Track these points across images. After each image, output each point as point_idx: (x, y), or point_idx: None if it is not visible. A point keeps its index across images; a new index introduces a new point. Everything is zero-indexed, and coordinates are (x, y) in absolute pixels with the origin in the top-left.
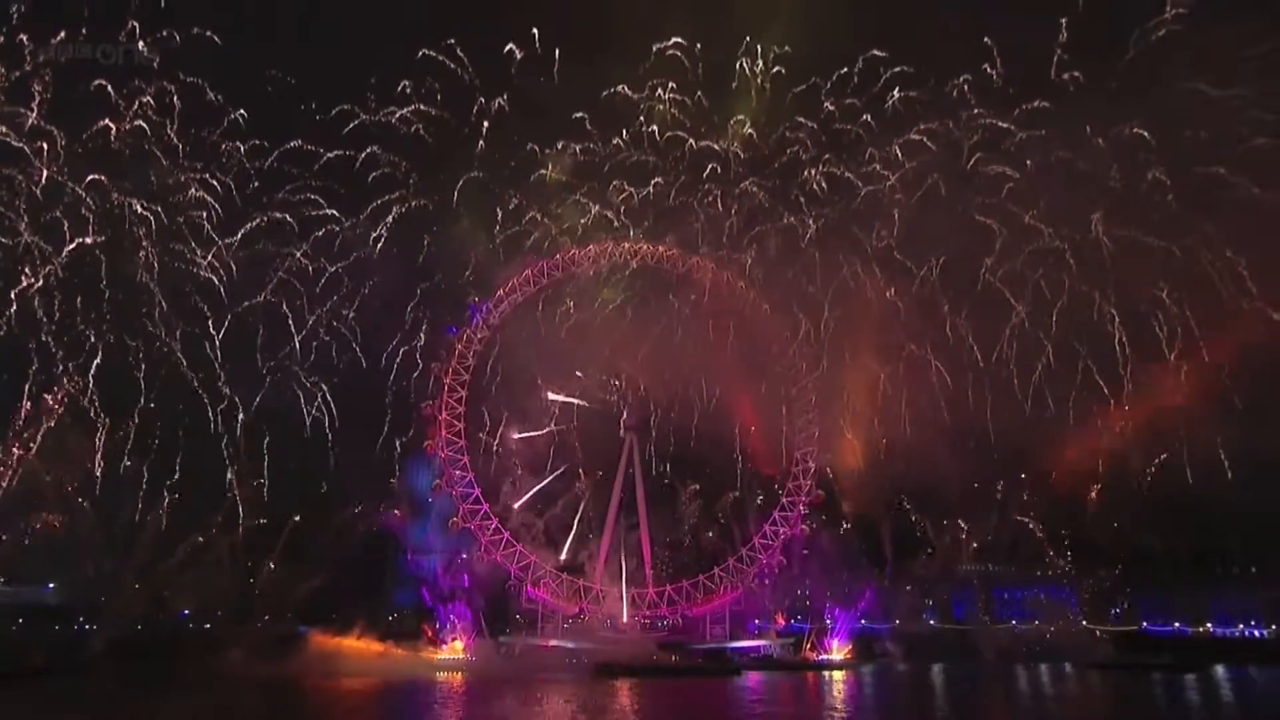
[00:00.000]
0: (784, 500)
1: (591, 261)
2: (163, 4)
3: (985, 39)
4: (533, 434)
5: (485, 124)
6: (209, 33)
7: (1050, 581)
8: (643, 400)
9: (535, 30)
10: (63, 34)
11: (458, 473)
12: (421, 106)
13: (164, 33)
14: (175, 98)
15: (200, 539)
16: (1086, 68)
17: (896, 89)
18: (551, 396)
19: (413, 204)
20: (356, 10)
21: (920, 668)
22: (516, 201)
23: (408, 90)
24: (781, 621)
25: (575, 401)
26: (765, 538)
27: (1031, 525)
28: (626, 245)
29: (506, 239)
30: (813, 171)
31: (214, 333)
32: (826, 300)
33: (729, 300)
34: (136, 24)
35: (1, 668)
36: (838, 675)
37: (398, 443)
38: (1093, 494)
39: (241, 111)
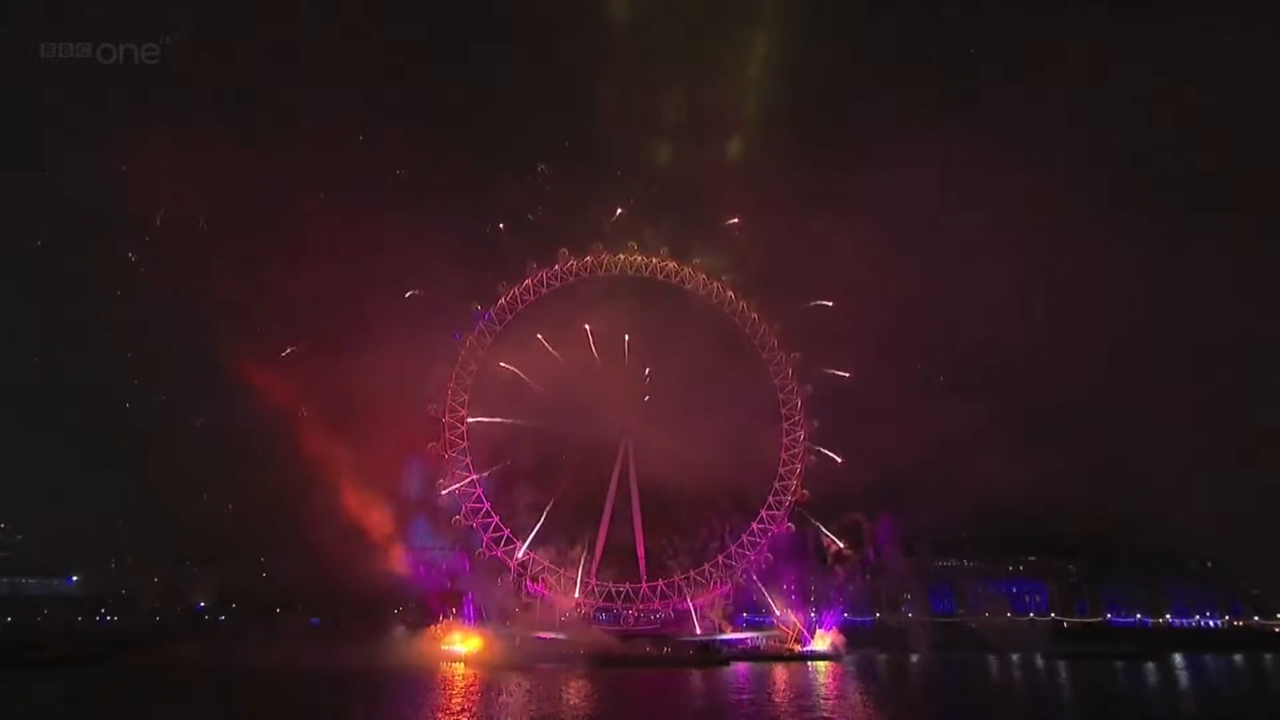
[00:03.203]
0: (770, 500)
1: (590, 271)
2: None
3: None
4: None
5: None
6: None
7: (1020, 576)
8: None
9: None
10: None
11: (460, 473)
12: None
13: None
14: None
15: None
16: None
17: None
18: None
19: None
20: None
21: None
22: None
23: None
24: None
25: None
26: (752, 535)
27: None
28: (622, 256)
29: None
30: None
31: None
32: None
33: (719, 307)
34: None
35: (26, 657)
36: (820, 666)
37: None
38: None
39: None
